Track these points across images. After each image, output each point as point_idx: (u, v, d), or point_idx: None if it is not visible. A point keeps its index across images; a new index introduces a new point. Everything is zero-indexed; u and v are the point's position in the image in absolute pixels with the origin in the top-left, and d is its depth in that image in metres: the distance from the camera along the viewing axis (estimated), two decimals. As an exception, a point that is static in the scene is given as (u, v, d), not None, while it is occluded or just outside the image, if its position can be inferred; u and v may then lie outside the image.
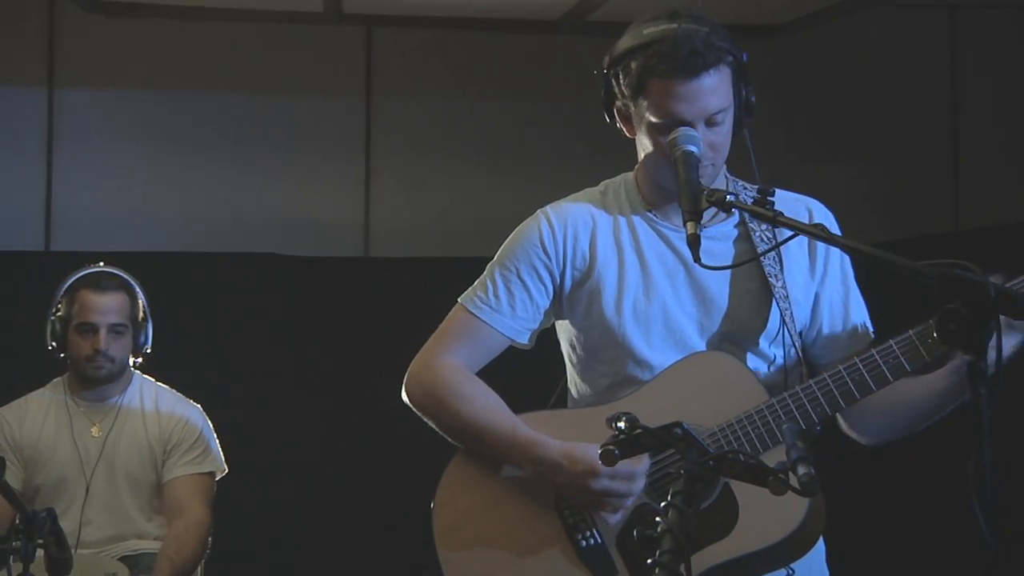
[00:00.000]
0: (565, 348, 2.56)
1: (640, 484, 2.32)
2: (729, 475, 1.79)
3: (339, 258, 5.93)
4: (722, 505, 2.25)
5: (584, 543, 2.35)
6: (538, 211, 2.53)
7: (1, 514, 3.60)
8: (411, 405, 2.52)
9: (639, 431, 1.81)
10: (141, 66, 6.03)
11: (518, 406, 2.49)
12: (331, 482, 5.47)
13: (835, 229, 2.46)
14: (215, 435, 4.00)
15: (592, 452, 2.27)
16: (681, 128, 2.27)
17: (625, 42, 2.36)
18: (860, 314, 2.51)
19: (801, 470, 1.78)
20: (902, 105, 5.94)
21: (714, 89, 2.30)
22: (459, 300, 2.53)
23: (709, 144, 2.31)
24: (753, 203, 2.07)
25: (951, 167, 5.98)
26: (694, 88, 2.28)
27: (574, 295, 2.47)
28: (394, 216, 6.12)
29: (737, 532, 2.23)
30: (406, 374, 2.53)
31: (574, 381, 2.56)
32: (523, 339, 2.51)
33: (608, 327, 2.43)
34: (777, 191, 2.41)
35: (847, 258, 2.48)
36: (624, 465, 2.24)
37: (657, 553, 1.62)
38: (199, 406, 3.99)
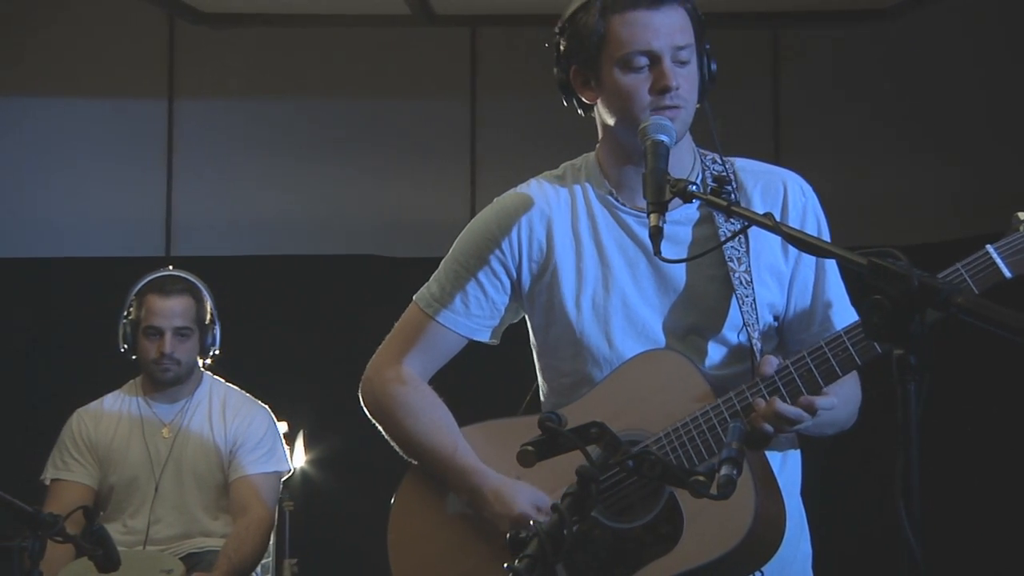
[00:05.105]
0: (532, 347, 2.47)
1: None
2: (649, 476, 1.70)
3: (447, 259, 5.95)
4: (667, 517, 2.15)
5: None
6: (494, 200, 2.44)
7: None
8: (365, 411, 2.47)
9: (557, 432, 1.74)
10: (248, 75, 6.21)
11: (494, 406, 2.43)
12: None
13: (813, 203, 2.35)
14: (282, 436, 4.06)
15: (520, 495, 2.24)
16: (653, 117, 2.17)
17: (576, 2, 2.30)
18: (834, 296, 2.34)
19: (723, 471, 1.69)
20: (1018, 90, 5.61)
21: (679, 24, 2.24)
22: (413, 298, 2.45)
23: (679, 83, 2.22)
24: (710, 192, 1.98)
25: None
26: (659, 17, 2.22)
27: (533, 290, 2.37)
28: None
29: (682, 545, 2.12)
30: (362, 377, 2.47)
31: (540, 380, 2.47)
32: (483, 337, 2.42)
33: (567, 324, 2.33)
34: (752, 163, 2.38)
35: (825, 237, 2.31)
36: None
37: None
38: (267, 407, 4.05)
